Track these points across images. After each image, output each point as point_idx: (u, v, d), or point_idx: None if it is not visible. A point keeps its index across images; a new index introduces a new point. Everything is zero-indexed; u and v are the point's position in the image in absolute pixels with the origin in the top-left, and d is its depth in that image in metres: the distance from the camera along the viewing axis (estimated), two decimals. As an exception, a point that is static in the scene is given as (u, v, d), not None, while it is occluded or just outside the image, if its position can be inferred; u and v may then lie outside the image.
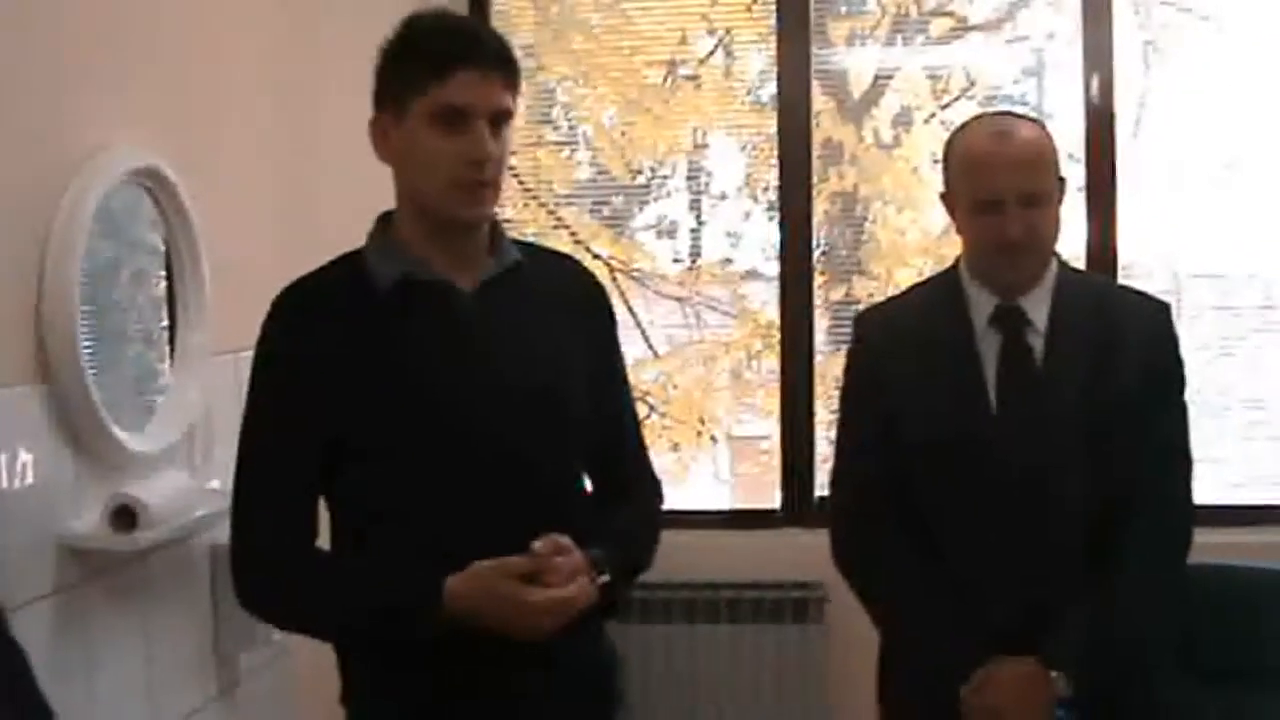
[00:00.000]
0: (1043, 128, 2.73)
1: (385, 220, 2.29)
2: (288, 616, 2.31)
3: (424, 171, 2.19)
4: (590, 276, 2.48)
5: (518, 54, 2.27)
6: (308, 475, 2.21)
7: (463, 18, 2.32)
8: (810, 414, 4.44)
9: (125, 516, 2.51)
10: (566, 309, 2.33)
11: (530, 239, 2.43)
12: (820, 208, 4.51)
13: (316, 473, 2.21)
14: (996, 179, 2.61)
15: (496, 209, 2.29)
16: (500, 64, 2.19)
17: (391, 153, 2.23)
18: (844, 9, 4.63)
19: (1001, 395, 2.67)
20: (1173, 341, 2.75)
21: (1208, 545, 2.87)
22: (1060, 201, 2.71)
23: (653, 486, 2.48)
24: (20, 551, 2.34)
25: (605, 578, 2.20)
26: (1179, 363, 2.75)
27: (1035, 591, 2.61)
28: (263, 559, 2.23)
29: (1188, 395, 2.76)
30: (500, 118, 2.18)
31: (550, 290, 2.32)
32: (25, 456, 2.36)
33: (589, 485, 2.40)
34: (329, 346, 2.18)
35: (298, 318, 2.23)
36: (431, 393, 2.18)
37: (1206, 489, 2.91)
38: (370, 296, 2.21)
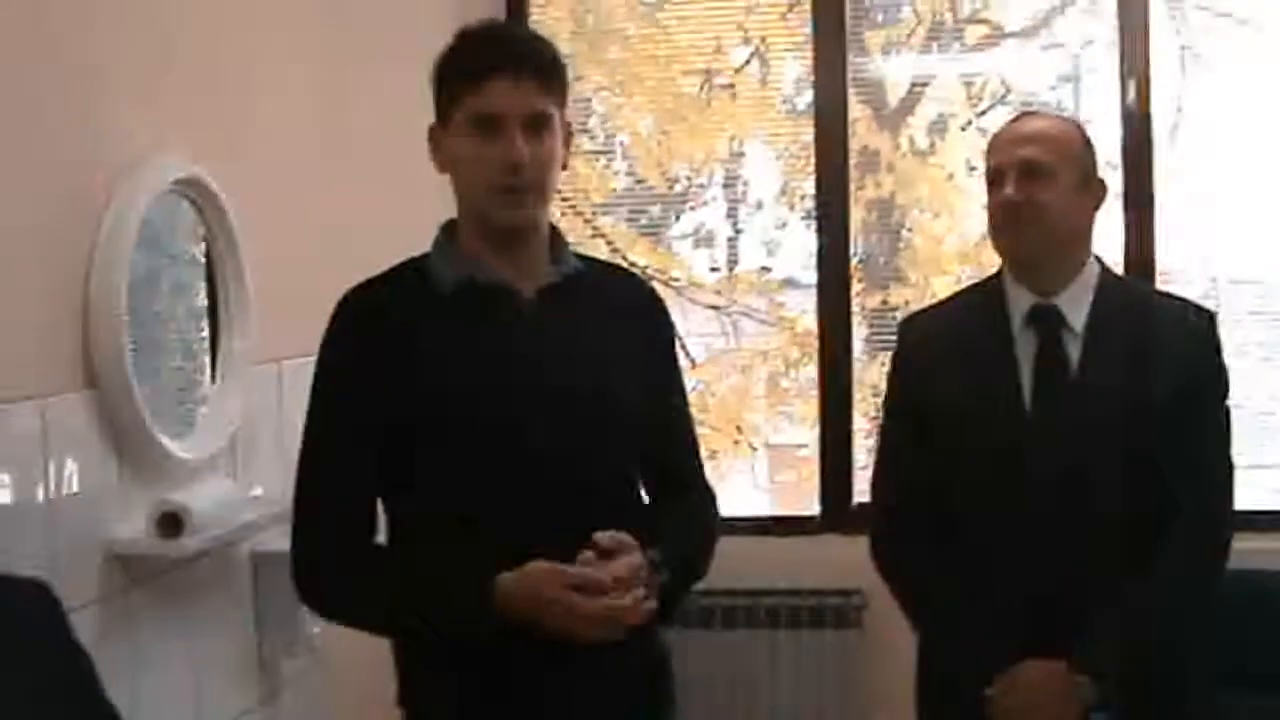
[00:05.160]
0: (1072, 123, 2.82)
1: (449, 228, 2.33)
2: (346, 614, 2.33)
3: (467, 178, 2.25)
4: (649, 290, 2.52)
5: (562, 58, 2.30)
6: (365, 477, 2.25)
7: (506, 26, 2.36)
8: (849, 421, 4.43)
9: (171, 523, 2.53)
10: (624, 320, 2.36)
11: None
12: (857, 215, 4.50)
13: (374, 475, 2.24)
14: (1001, 151, 2.72)
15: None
16: (534, 69, 2.22)
17: (443, 161, 2.28)
18: (879, 17, 4.63)
19: (1036, 400, 2.68)
20: (1214, 349, 2.74)
21: (1251, 551, 2.87)
22: (1093, 199, 2.74)
23: (709, 497, 2.50)
24: (67, 557, 2.37)
25: (664, 577, 2.22)
26: (1221, 370, 2.74)
27: (1069, 597, 2.60)
28: (322, 559, 2.26)
29: (1228, 401, 2.76)
30: (537, 121, 2.21)
31: (609, 301, 2.35)
32: (72, 464, 2.40)
33: (644, 494, 2.41)
34: (388, 352, 2.22)
35: (358, 323, 2.27)
36: (490, 394, 2.20)
37: (1249, 495, 2.91)
38: (432, 299, 2.24)
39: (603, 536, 2.15)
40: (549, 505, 2.19)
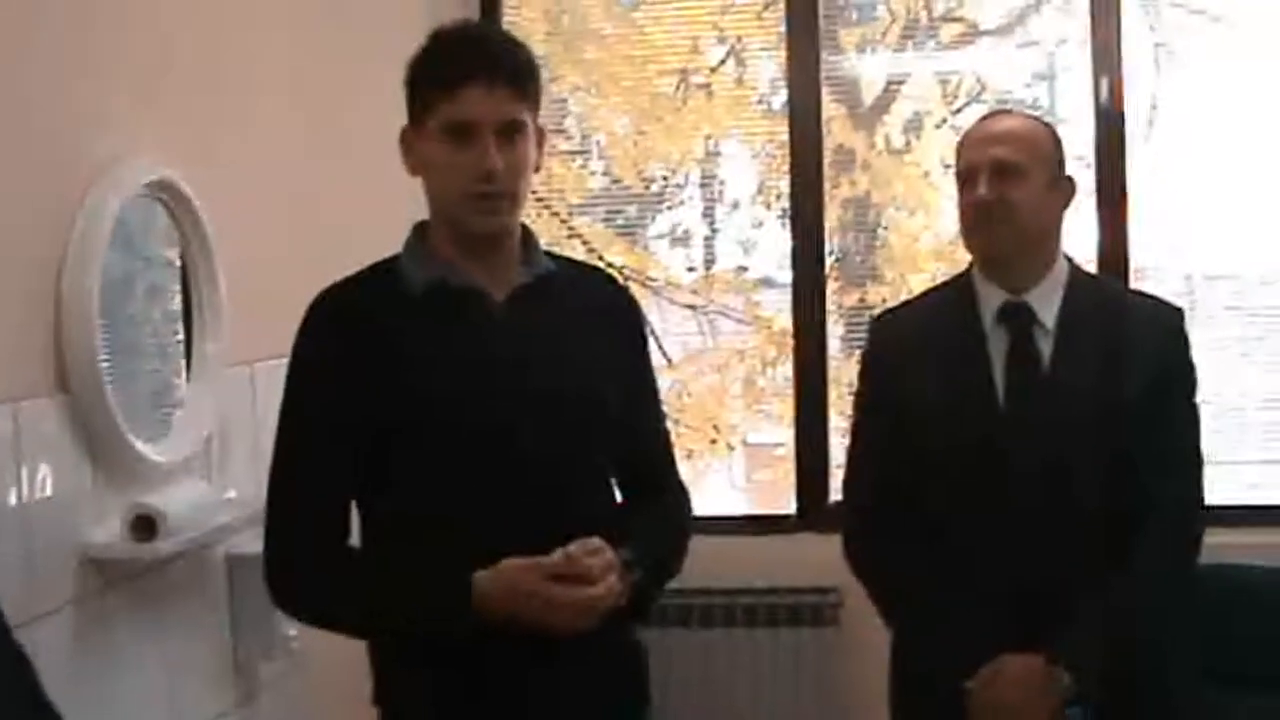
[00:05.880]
0: (1040, 122, 2.84)
1: (420, 229, 2.33)
2: (320, 615, 2.32)
3: (440, 183, 2.25)
4: (622, 290, 2.53)
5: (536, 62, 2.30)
6: (341, 476, 2.25)
7: (480, 29, 2.35)
8: (824, 420, 4.43)
9: (144, 526, 2.52)
10: (597, 320, 2.36)
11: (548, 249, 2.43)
12: (833, 214, 4.50)
13: (349, 474, 2.24)
14: (972, 151, 2.74)
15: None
16: (509, 76, 2.21)
17: (415, 164, 2.28)
18: (854, 15, 4.64)
19: (1009, 396, 2.70)
20: (1185, 345, 2.77)
21: (1226, 546, 2.88)
22: (1063, 198, 2.76)
23: (682, 497, 2.50)
24: (41, 561, 2.36)
25: (636, 575, 2.22)
26: (1190, 366, 2.76)
27: (1044, 592, 2.61)
28: (296, 558, 2.25)
29: (1203, 397, 2.78)
30: (510, 128, 2.21)
31: (581, 301, 2.35)
32: (45, 468, 2.39)
33: (618, 493, 2.42)
34: (362, 350, 2.22)
35: (332, 322, 2.27)
36: (461, 396, 2.21)
37: (1224, 490, 2.92)
38: (403, 302, 2.24)
39: (574, 548, 2.15)
40: (525, 506, 2.19)
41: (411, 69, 2.27)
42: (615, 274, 2.62)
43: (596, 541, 2.17)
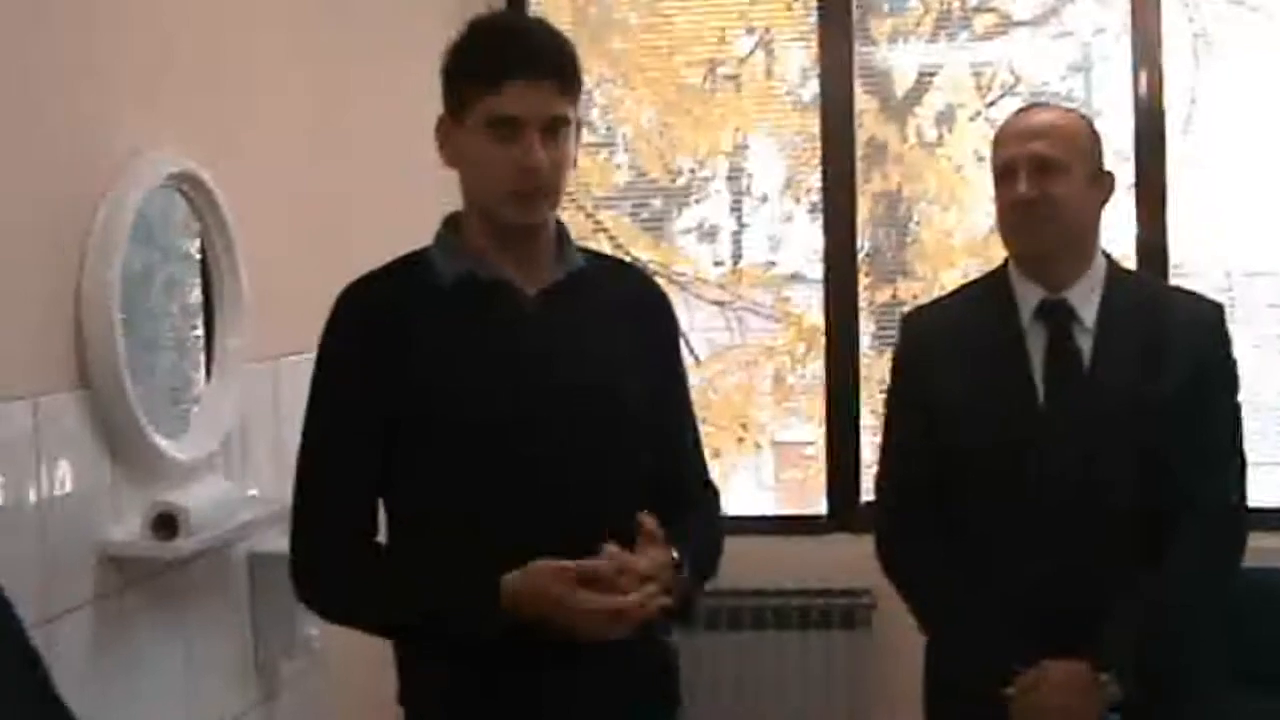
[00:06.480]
0: (1079, 115, 2.79)
1: (452, 221, 2.30)
2: (346, 613, 2.30)
3: (481, 178, 2.21)
4: (654, 287, 2.49)
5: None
6: (369, 471, 2.22)
7: (522, 20, 2.32)
8: (856, 418, 4.39)
9: (166, 524, 2.50)
10: (628, 316, 2.33)
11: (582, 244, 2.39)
12: (864, 208, 4.46)
13: (378, 469, 2.22)
14: (1010, 146, 2.68)
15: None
16: (554, 72, 2.19)
17: (452, 156, 2.25)
18: (886, 6, 4.59)
19: (1049, 394, 2.65)
20: (1225, 341, 2.72)
21: (1265, 549, 2.81)
22: (1102, 193, 2.72)
23: (714, 497, 2.47)
24: (61, 559, 2.34)
25: (683, 574, 2.19)
26: (1231, 363, 2.72)
27: (1083, 593, 2.57)
28: (323, 555, 2.23)
29: (1242, 395, 2.73)
30: (555, 124, 2.18)
31: (613, 297, 2.32)
32: (65, 465, 2.37)
33: (647, 493, 2.37)
34: (390, 343, 2.19)
35: (360, 316, 2.24)
36: (490, 391, 2.18)
37: (1266, 491, 2.87)
38: (433, 294, 2.22)
39: (647, 519, 2.15)
40: (556, 504, 2.17)
41: (450, 60, 2.23)
42: (649, 272, 2.60)
43: (654, 553, 2.14)
